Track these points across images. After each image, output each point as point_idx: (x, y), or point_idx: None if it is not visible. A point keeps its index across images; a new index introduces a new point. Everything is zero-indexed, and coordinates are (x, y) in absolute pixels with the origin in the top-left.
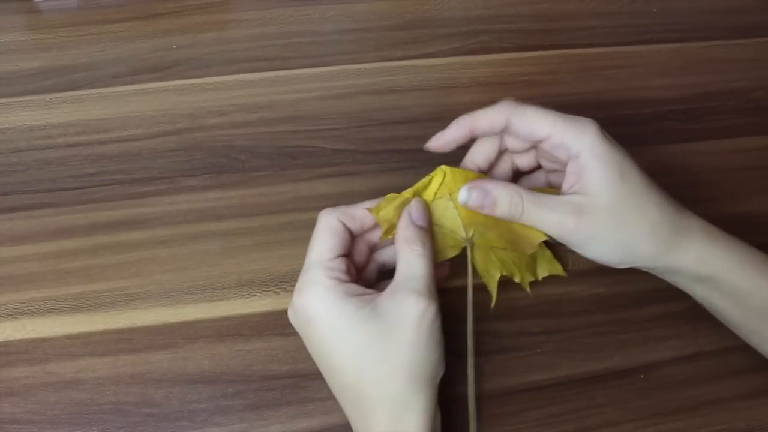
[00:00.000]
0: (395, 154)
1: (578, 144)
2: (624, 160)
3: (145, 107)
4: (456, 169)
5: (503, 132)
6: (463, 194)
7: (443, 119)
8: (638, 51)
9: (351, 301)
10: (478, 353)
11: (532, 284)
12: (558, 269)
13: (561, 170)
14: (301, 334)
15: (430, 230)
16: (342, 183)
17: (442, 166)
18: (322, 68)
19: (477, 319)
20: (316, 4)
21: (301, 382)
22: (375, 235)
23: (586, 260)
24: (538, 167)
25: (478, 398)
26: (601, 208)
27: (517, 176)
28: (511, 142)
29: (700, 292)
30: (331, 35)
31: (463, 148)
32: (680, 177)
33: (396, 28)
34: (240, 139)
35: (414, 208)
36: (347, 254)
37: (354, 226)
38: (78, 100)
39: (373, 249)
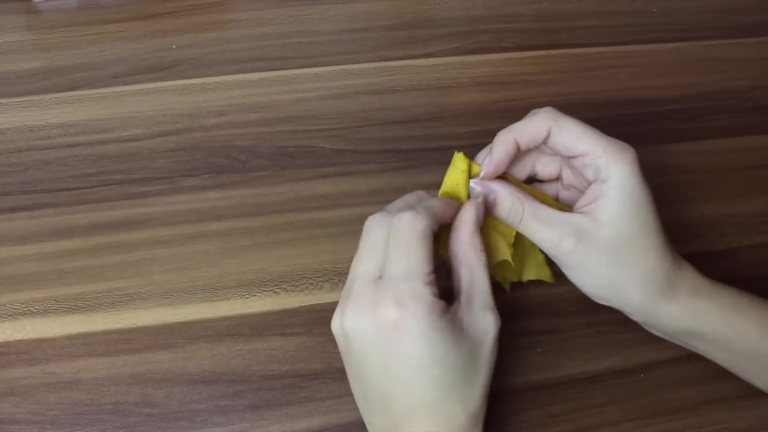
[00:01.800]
0: (395, 154)
1: (611, 169)
2: (646, 198)
3: (145, 107)
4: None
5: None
6: (474, 187)
7: (443, 119)
8: (638, 50)
9: (447, 320)
10: None
11: (525, 285)
12: (546, 275)
13: (577, 189)
14: (367, 347)
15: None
16: (342, 183)
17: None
18: (322, 68)
19: None
20: (316, 4)
21: (301, 382)
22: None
23: None
24: (556, 179)
25: None
26: (603, 239)
27: (530, 182)
28: (540, 167)
29: (680, 340)
30: (330, 35)
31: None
32: (680, 176)
33: (396, 27)
34: (240, 139)
35: (479, 210)
36: None
37: (436, 229)
38: (78, 100)
39: None
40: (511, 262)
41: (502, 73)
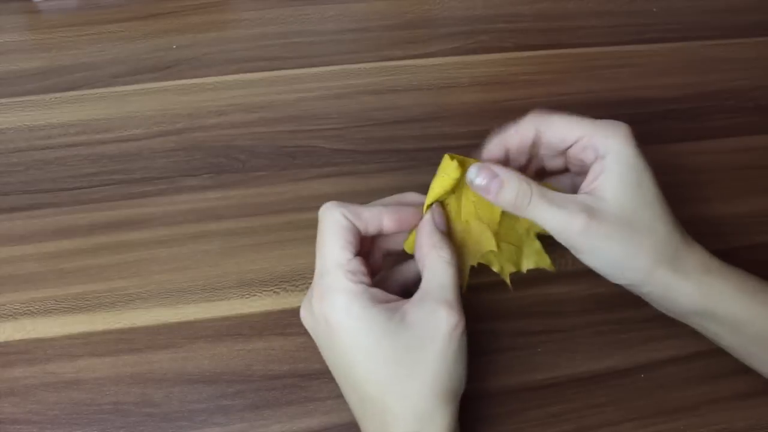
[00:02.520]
0: (395, 153)
1: (606, 144)
2: (645, 169)
3: (145, 107)
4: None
5: (533, 145)
6: (471, 173)
7: (443, 119)
8: (638, 50)
9: (379, 310)
10: (478, 353)
11: (527, 283)
12: (546, 262)
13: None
14: (319, 342)
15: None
16: (342, 183)
17: (449, 157)
18: (322, 68)
19: (476, 318)
20: (316, 3)
21: (301, 381)
22: (388, 241)
23: None
24: (566, 170)
25: (479, 398)
26: (611, 214)
27: (542, 176)
28: (542, 150)
29: (693, 321)
30: (330, 35)
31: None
32: (680, 176)
33: (396, 27)
34: (240, 139)
35: (437, 213)
36: (361, 254)
37: (360, 226)
38: (78, 100)
39: (385, 255)
40: (495, 250)
41: (502, 73)
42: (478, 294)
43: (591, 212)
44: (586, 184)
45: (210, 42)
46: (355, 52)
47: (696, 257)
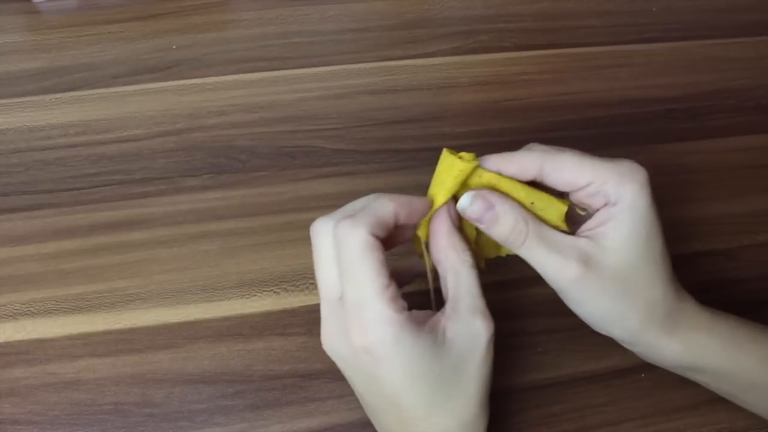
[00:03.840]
0: (395, 153)
1: (619, 192)
2: (655, 223)
3: (145, 107)
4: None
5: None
6: (465, 200)
7: (443, 119)
8: (638, 50)
9: (426, 335)
10: None
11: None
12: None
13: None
14: (355, 374)
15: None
16: (342, 183)
17: (448, 152)
18: (322, 68)
19: None
20: (316, 3)
21: (302, 381)
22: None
23: None
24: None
25: None
26: (610, 267)
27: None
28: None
29: (679, 371)
30: (330, 35)
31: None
32: (680, 176)
33: (395, 27)
34: (240, 139)
35: (453, 211)
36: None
37: (383, 234)
38: (78, 100)
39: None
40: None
41: (502, 72)
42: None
43: (588, 262)
44: (589, 227)
45: (210, 42)
46: (355, 52)
47: (686, 315)
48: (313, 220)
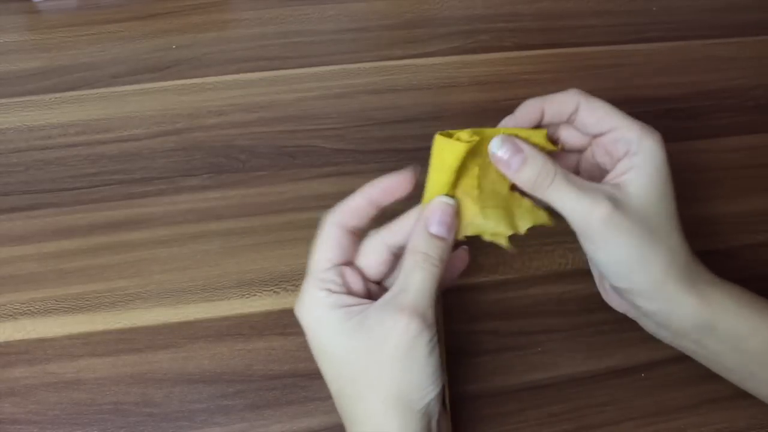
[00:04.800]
0: (395, 153)
1: (641, 143)
2: (670, 179)
3: (145, 107)
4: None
5: (566, 122)
6: (494, 143)
7: (443, 118)
8: (638, 49)
9: (337, 312)
10: (478, 353)
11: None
12: (542, 218)
13: (599, 168)
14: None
15: (451, 239)
16: (342, 183)
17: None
18: (322, 68)
19: (476, 319)
20: (316, 3)
21: (302, 381)
22: (395, 238)
23: (587, 258)
24: (578, 151)
25: (479, 397)
26: (635, 210)
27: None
28: (566, 135)
29: (692, 339)
30: (330, 35)
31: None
32: (680, 175)
33: (395, 27)
34: (240, 138)
35: (431, 212)
36: (349, 261)
37: (356, 222)
38: (77, 100)
39: (395, 252)
40: (481, 218)
41: (502, 72)
42: (478, 294)
43: (616, 202)
44: (612, 177)
45: (210, 42)
46: (355, 52)
47: (702, 272)
48: (313, 219)
